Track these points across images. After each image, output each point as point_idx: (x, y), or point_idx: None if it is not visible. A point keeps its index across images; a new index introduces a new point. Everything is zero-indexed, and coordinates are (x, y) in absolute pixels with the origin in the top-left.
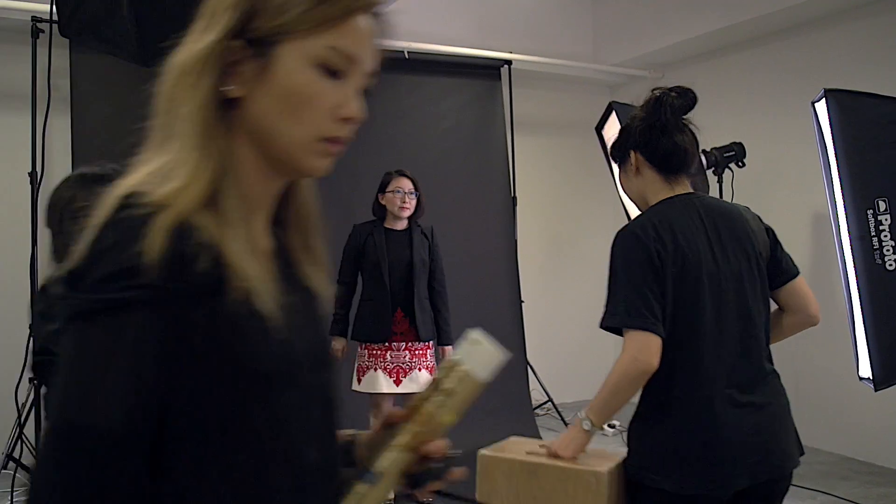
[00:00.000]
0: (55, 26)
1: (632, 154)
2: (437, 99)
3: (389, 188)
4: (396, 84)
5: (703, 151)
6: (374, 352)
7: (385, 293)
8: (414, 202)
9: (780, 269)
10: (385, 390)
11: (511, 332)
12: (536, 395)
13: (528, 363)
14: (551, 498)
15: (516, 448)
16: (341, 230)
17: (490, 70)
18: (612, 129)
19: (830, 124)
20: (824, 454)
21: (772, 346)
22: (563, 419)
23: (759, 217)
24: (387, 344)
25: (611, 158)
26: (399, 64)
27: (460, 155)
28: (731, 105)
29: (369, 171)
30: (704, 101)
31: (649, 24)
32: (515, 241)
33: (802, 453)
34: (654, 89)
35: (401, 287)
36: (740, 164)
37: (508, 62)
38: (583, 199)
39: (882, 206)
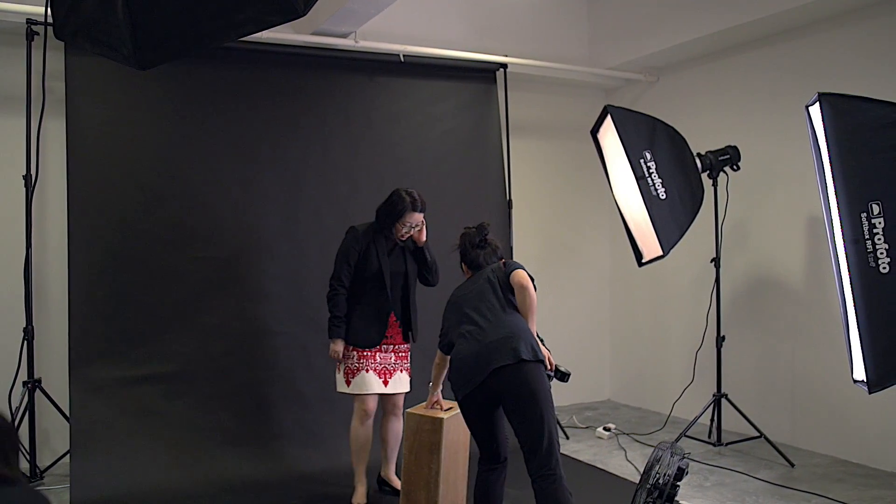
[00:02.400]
0: (50, 29)
1: (462, 264)
2: (433, 102)
3: (400, 220)
4: (392, 87)
5: (698, 155)
6: (365, 353)
7: (386, 301)
8: (414, 233)
9: (506, 273)
10: (377, 390)
11: None
12: None
13: None
14: (417, 430)
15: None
16: (339, 230)
17: (486, 73)
18: (608, 133)
19: (824, 128)
20: (819, 456)
21: (771, 350)
22: (559, 422)
23: (499, 262)
24: (377, 346)
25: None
26: (395, 67)
27: (456, 158)
28: (726, 108)
29: (366, 174)
30: (699, 104)
31: (645, 27)
32: (511, 245)
33: (519, 360)
34: (465, 227)
35: (397, 294)
36: (735, 167)
37: (504, 65)
38: (578, 202)
39: (876, 209)
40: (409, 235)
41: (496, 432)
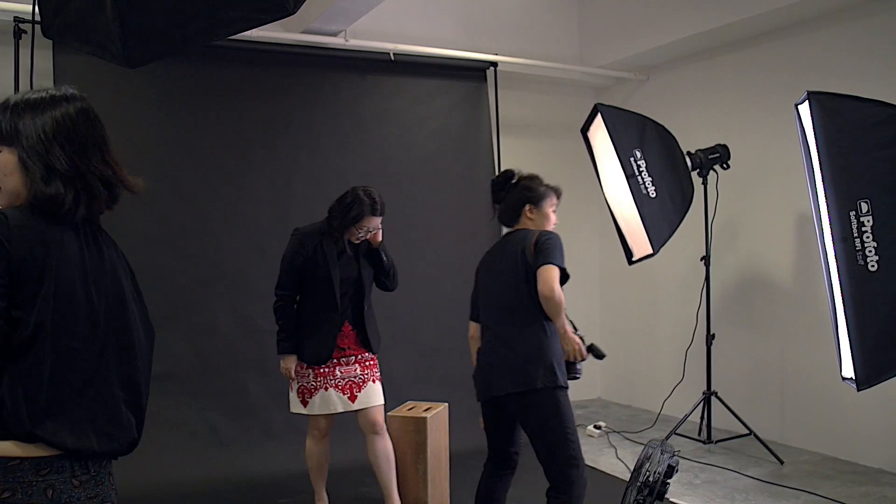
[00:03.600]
0: (38, 27)
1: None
2: (424, 101)
3: (357, 225)
4: (382, 86)
5: (688, 153)
6: (322, 370)
7: (335, 312)
8: (370, 235)
9: (535, 265)
10: (341, 409)
11: None
12: None
13: None
14: (400, 432)
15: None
16: None
17: (476, 72)
18: (598, 131)
19: (813, 126)
20: (808, 454)
21: (760, 348)
22: None
23: (536, 236)
24: (335, 360)
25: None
26: (385, 66)
27: (446, 157)
28: (716, 107)
29: (356, 172)
30: (689, 103)
31: (635, 26)
32: None
33: (524, 390)
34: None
35: (350, 302)
36: (725, 165)
37: (494, 64)
38: (568, 201)
39: (864, 207)
40: (363, 238)
41: (513, 440)
